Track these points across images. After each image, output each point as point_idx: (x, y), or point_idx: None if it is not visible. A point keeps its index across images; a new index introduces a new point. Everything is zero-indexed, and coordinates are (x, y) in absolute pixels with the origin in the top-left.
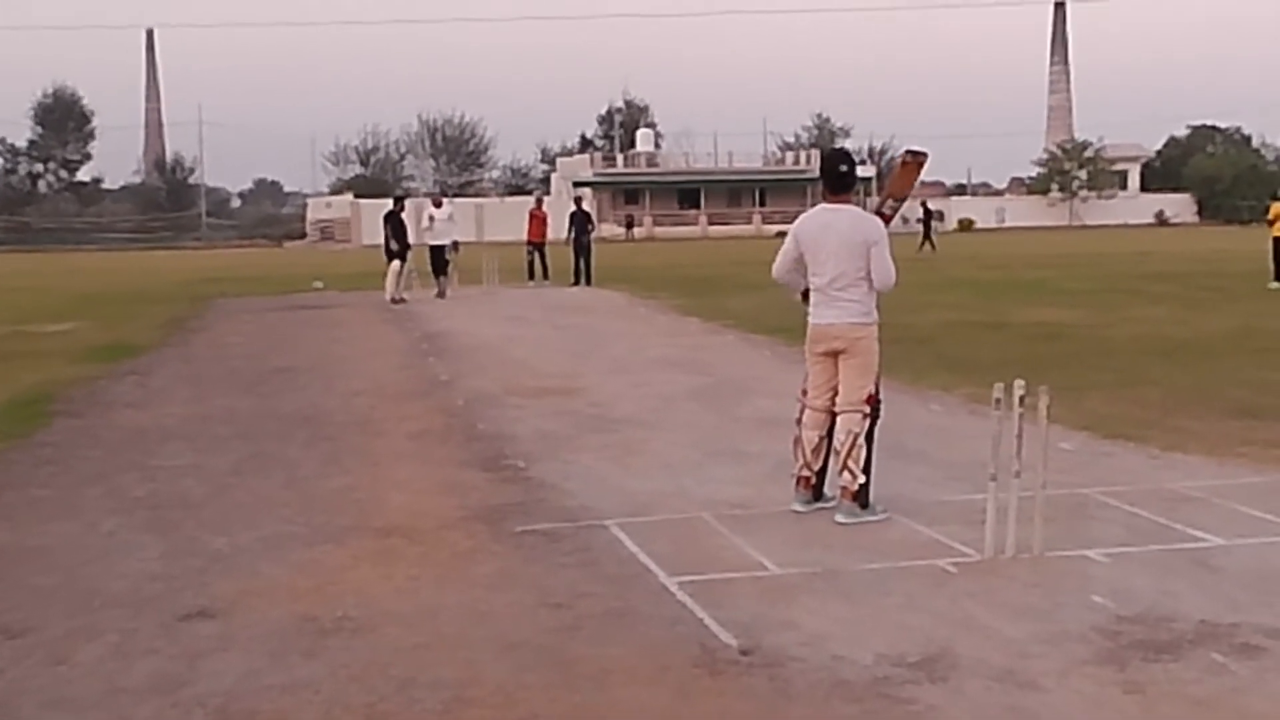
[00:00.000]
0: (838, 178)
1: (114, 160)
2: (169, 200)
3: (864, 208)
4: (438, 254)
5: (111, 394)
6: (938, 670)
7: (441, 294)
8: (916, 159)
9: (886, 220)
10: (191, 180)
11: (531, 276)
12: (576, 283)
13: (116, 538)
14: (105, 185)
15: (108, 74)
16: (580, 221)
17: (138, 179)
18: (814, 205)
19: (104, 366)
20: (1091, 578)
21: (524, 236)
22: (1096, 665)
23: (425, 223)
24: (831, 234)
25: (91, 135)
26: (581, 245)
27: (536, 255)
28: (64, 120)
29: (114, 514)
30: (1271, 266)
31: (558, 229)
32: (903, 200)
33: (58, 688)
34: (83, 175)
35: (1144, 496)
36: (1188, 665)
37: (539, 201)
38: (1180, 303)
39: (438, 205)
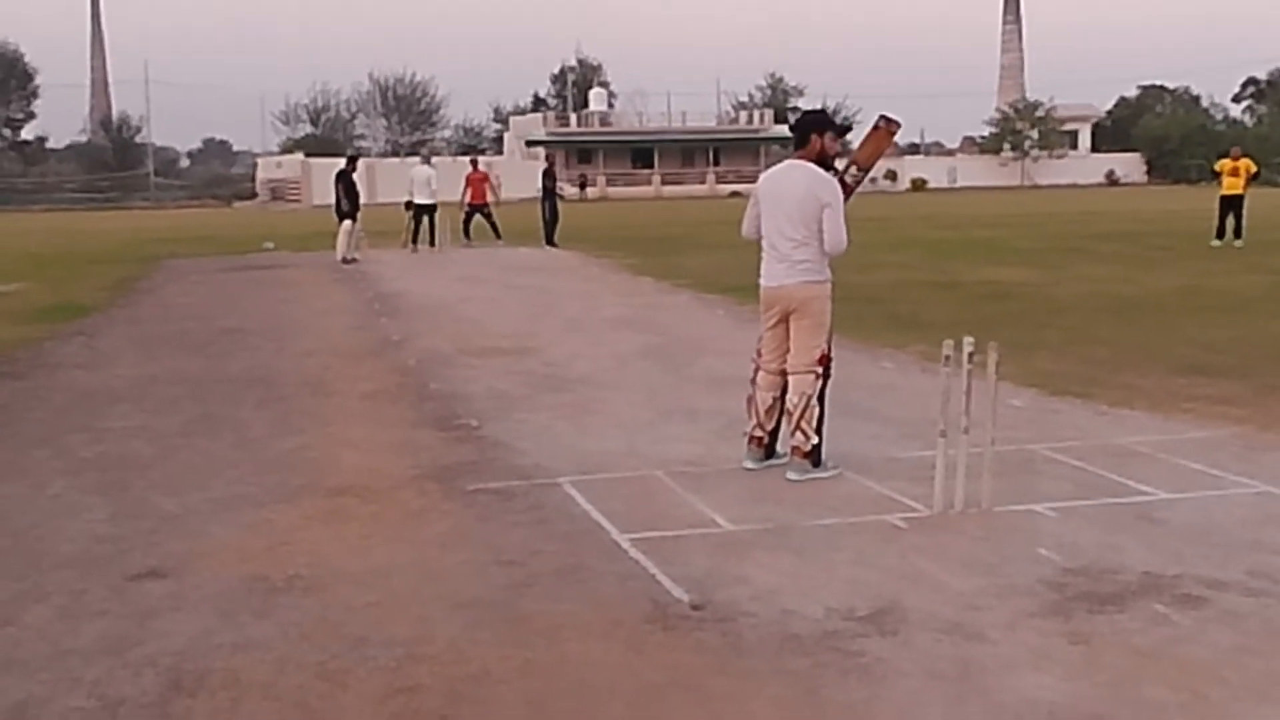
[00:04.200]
0: (798, 133)
1: (59, 119)
2: (116, 160)
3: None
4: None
5: (58, 355)
6: (887, 623)
7: (415, 249)
8: (889, 126)
9: (848, 188)
10: (139, 139)
11: (467, 235)
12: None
13: (64, 499)
14: (50, 145)
15: (51, 31)
16: (551, 181)
17: (84, 138)
18: (768, 165)
19: (51, 328)
20: (1039, 531)
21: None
22: (1043, 617)
23: (435, 184)
24: (786, 192)
25: (35, 94)
26: (552, 205)
27: (482, 217)
28: (6, 79)
29: (62, 475)
30: (1215, 224)
31: (512, 189)
32: (868, 169)
33: (6, 650)
34: (27, 134)
35: (1091, 452)
36: (1131, 616)
37: (474, 164)
38: (1128, 262)
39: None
